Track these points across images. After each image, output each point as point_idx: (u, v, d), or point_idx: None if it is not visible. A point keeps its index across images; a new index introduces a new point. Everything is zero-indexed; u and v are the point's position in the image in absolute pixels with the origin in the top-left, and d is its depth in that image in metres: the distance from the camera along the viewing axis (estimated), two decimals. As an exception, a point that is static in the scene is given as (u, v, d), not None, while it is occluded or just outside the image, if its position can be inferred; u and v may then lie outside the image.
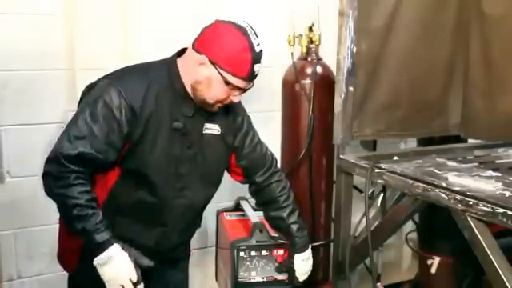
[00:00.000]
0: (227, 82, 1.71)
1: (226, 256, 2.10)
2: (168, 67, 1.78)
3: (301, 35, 2.76)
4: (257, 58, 1.71)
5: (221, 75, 1.70)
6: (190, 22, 2.64)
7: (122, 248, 1.68)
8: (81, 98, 1.85)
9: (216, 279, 2.46)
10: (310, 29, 2.74)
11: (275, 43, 2.79)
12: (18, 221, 2.45)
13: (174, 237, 1.93)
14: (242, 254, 2.02)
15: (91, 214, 1.66)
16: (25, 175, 2.43)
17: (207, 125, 1.85)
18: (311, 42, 2.74)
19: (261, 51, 1.72)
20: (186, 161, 1.84)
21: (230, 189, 2.32)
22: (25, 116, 2.45)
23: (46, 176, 1.69)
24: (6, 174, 2.45)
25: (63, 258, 1.95)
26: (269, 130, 2.80)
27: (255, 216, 2.15)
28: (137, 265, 1.69)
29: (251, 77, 1.74)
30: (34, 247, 2.52)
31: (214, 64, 1.69)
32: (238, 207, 2.35)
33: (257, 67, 1.72)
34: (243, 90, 1.78)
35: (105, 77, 1.80)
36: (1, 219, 2.46)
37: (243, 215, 2.26)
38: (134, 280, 1.68)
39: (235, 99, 1.78)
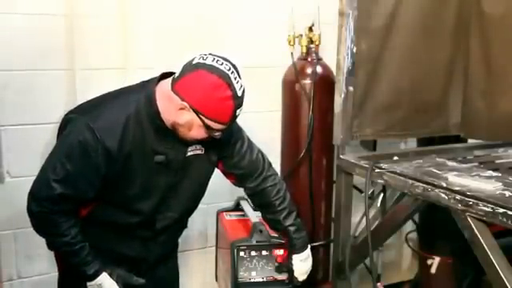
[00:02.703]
0: (208, 127, 1.69)
1: (226, 256, 2.11)
2: (146, 100, 1.71)
3: (301, 35, 2.76)
4: (239, 103, 1.68)
5: (202, 122, 1.67)
6: (190, 22, 2.67)
7: (110, 274, 1.81)
8: (59, 129, 1.84)
9: (216, 279, 2.46)
10: (310, 29, 2.74)
11: (275, 43, 2.80)
12: (18, 221, 2.44)
13: (156, 248, 1.96)
14: (242, 253, 2.03)
15: (79, 249, 1.75)
16: (25, 175, 2.41)
17: (190, 147, 1.82)
18: (311, 41, 2.74)
19: (243, 93, 1.68)
20: (172, 188, 1.85)
21: (229, 189, 2.31)
22: (25, 116, 2.44)
23: (31, 214, 1.74)
24: (5, 173, 2.45)
25: (55, 257, 1.99)
26: (269, 130, 2.81)
27: (255, 216, 2.15)
28: (128, 285, 1.86)
29: (233, 120, 1.72)
30: (34, 247, 2.52)
31: (195, 111, 1.65)
32: (237, 207, 2.35)
33: (238, 111, 1.70)
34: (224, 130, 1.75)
35: (78, 111, 1.78)
36: (1, 219, 2.46)
37: (243, 215, 2.26)
38: None
39: (216, 137, 1.75)
